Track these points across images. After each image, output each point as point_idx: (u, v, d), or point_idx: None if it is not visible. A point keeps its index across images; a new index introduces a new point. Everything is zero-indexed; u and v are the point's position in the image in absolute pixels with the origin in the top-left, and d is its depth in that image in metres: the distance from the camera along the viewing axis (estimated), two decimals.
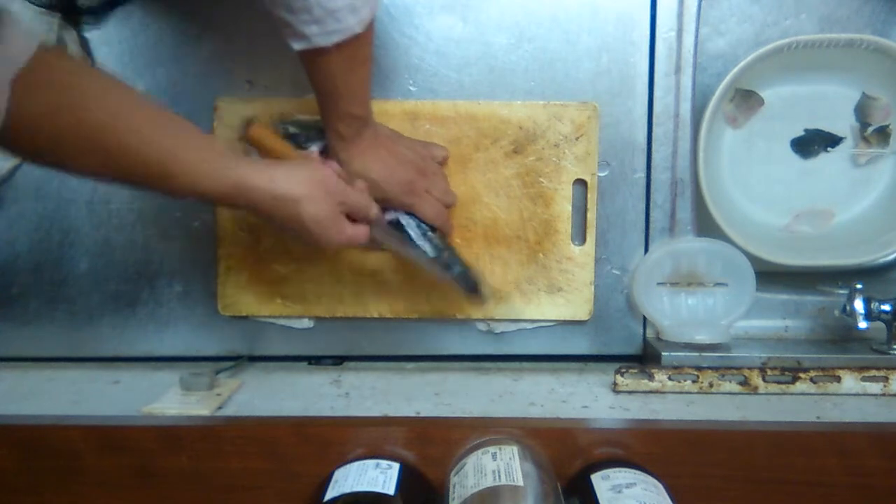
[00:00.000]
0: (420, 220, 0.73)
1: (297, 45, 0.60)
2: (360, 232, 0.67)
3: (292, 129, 0.72)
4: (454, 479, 0.55)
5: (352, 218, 0.66)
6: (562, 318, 0.79)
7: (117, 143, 0.53)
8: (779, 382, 0.71)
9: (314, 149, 0.71)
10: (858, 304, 0.73)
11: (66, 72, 0.53)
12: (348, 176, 0.68)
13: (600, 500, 0.52)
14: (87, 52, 0.77)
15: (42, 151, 0.53)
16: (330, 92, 0.64)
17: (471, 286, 0.74)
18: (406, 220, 0.72)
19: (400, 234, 0.72)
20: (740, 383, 0.72)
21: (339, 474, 0.56)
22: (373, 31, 0.63)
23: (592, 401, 0.70)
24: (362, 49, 0.63)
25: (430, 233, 0.73)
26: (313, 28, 0.58)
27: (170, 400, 0.68)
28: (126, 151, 0.54)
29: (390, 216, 0.72)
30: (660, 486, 0.54)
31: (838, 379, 0.71)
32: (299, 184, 0.61)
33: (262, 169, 0.61)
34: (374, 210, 0.68)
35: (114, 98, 0.55)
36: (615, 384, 0.72)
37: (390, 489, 0.53)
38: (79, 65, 0.52)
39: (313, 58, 0.61)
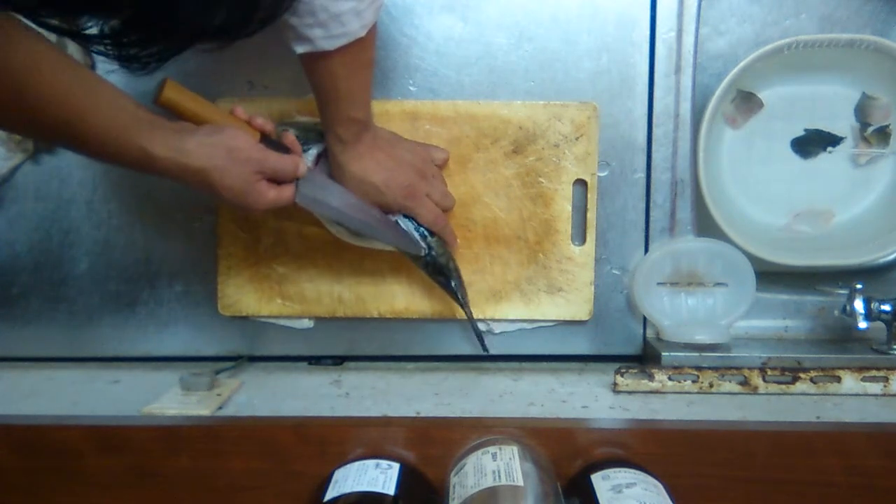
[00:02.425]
0: (418, 224, 0.73)
1: (300, 49, 0.60)
2: (284, 194, 0.65)
3: (292, 132, 0.72)
4: (454, 479, 0.55)
5: (276, 180, 0.65)
6: (562, 318, 0.79)
7: (34, 97, 0.52)
8: (779, 382, 0.71)
9: (313, 151, 0.71)
10: (858, 304, 0.73)
11: None
12: (348, 180, 0.68)
13: (600, 500, 0.52)
14: (88, 51, 0.77)
15: None
16: (331, 95, 0.64)
17: (463, 300, 0.75)
18: (405, 223, 0.73)
19: (346, 197, 0.70)
20: (740, 383, 0.72)
21: (339, 474, 0.56)
22: (375, 34, 0.63)
23: (592, 401, 0.70)
24: (365, 53, 0.63)
25: (428, 237, 0.73)
26: (317, 31, 0.58)
27: (170, 400, 0.68)
28: (41, 107, 0.53)
29: (392, 217, 0.72)
30: (660, 486, 0.54)
31: (838, 379, 0.71)
32: (209, 154, 0.60)
33: (172, 136, 0.59)
34: (301, 168, 0.66)
35: (36, 52, 0.53)
36: (615, 384, 0.72)
37: (390, 489, 0.53)
38: (7, 20, 0.51)
39: (315, 61, 0.61)
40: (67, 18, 0.28)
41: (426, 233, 0.73)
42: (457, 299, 0.75)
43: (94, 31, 0.29)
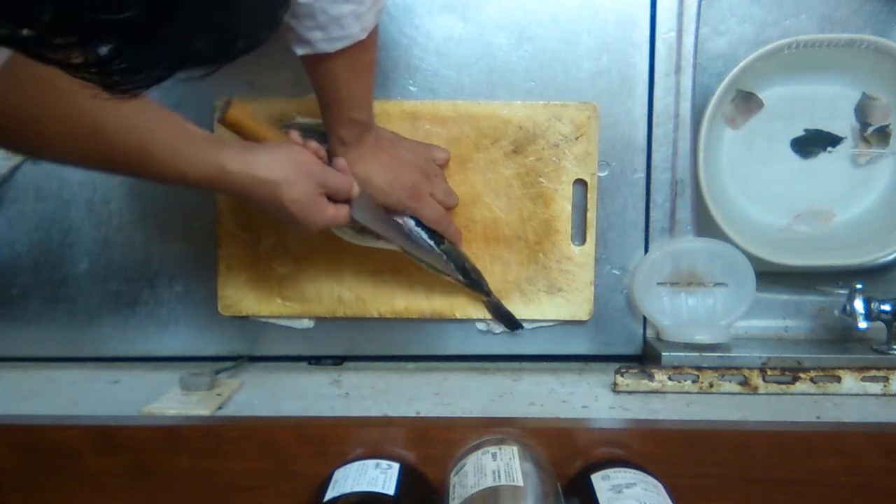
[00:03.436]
0: (424, 224, 0.73)
1: (301, 51, 0.60)
2: (340, 212, 0.67)
3: (293, 133, 0.72)
4: (454, 479, 0.55)
5: (333, 199, 0.66)
6: (562, 318, 0.79)
7: (94, 126, 0.54)
8: (779, 382, 0.71)
9: None
10: (858, 304, 0.73)
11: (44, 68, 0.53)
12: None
13: (600, 500, 0.52)
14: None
15: (24, 142, 0.54)
16: (332, 97, 0.64)
17: (485, 290, 0.76)
18: (409, 224, 0.73)
19: (385, 217, 0.72)
20: (740, 383, 0.72)
21: (339, 474, 0.56)
22: (376, 37, 0.63)
23: (592, 401, 0.70)
24: (365, 55, 0.63)
25: (438, 243, 0.73)
26: (317, 34, 0.58)
27: (170, 400, 0.68)
28: (104, 135, 0.54)
29: (402, 226, 0.73)
30: (660, 486, 0.54)
31: (838, 379, 0.71)
32: (279, 167, 0.62)
33: (242, 153, 0.61)
34: (355, 189, 0.68)
35: None
36: (615, 384, 0.72)
37: (390, 489, 0.53)
38: None
39: (316, 63, 0.61)
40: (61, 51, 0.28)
41: (431, 233, 0.73)
42: (483, 291, 0.77)
43: (78, 60, 0.29)
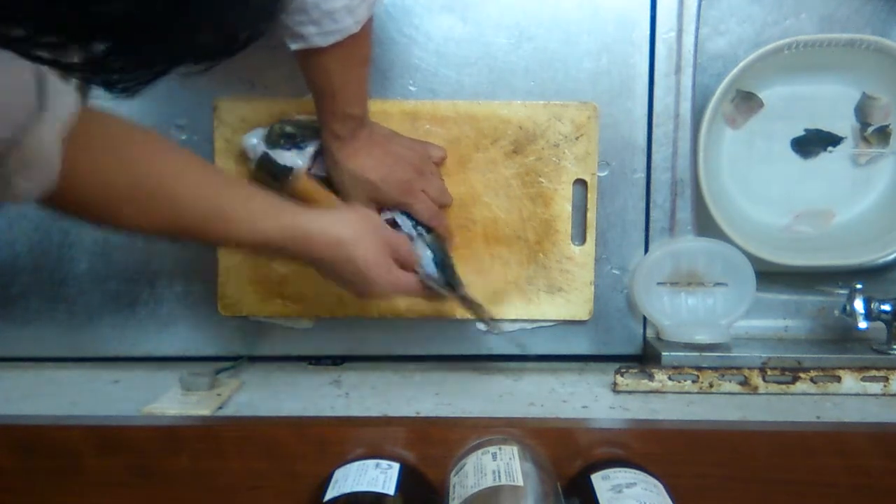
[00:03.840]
0: (416, 221, 0.73)
1: (294, 45, 0.60)
2: (411, 279, 0.67)
3: (289, 129, 0.73)
4: (454, 479, 0.55)
5: (401, 265, 0.66)
6: (562, 318, 0.79)
7: (172, 198, 0.54)
8: (779, 382, 0.71)
9: (310, 149, 0.72)
10: (858, 304, 0.73)
11: (113, 129, 0.54)
12: (344, 176, 0.69)
13: (600, 500, 0.52)
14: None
15: (95, 210, 0.54)
16: (326, 91, 0.65)
17: (473, 306, 0.75)
18: (402, 220, 0.73)
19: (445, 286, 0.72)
20: (740, 383, 0.72)
21: (339, 474, 0.56)
22: (370, 30, 0.63)
23: (592, 401, 0.70)
24: (359, 49, 0.63)
25: (425, 234, 0.73)
26: (310, 28, 0.58)
27: (170, 400, 0.68)
28: (181, 205, 0.55)
29: (386, 216, 0.72)
30: (660, 486, 0.54)
31: (838, 379, 0.71)
32: (350, 226, 0.62)
33: (315, 214, 0.61)
34: (420, 260, 0.69)
35: (162, 153, 0.56)
36: (615, 384, 0.72)
37: (390, 489, 0.53)
38: (124, 122, 0.54)
39: (310, 57, 0.62)
40: (55, 51, 0.28)
41: (423, 230, 0.73)
42: (455, 294, 0.74)
43: (75, 59, 0.29)
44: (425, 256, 0.72)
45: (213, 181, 0.58)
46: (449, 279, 0.74)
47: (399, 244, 0.66)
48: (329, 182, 0.72)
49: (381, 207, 0.71)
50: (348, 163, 0.68)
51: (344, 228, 0.61)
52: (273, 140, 0.72)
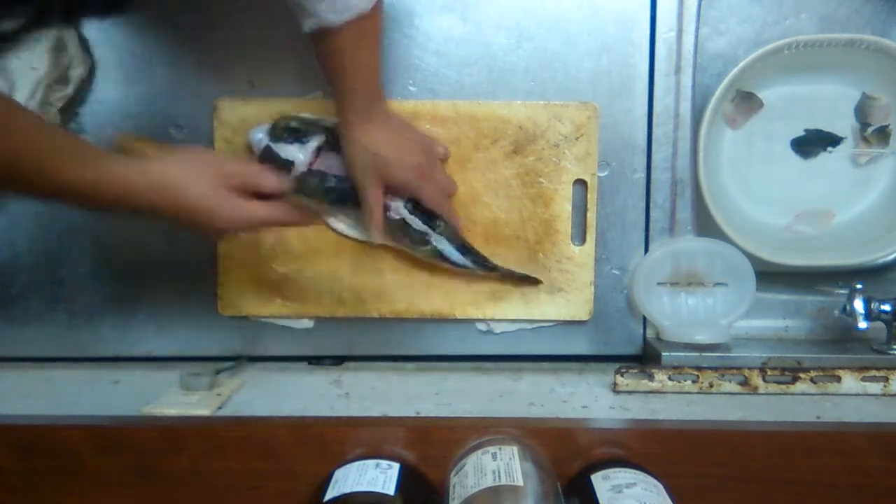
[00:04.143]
0: (426, 216, 0.73)
1: (308, 25, 0.61)
2: (260, 208, 0.63)
3: (293, 124, 0.73)
4: (454, 479, 0.55)
5: (262, 196, 0.64)
6: (562, 318, 0.79)
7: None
8: (779, 382, 0.71)
9: (312, 143, 0.72)
10: (858, 304, 0.73)
11: None
12: (357, 152, 0.69)
13: (600, 500, 0.52)
14: (87, 52, 0.77)
15: None
16: (339, 70, 0.65)
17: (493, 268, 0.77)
18: (412, 220, 0.73)
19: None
20: (740, 383, 0.72)
21: (339, 474, 0.56)
22: (381, 9, 0.64)
23: (592, 401, 0.70)
24: (371, 27, 0.64)
25: (440, 226, 0.74)
26: (322, 6, 0.59)
27: (170, 400, 0.68)
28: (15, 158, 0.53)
29: (394, 215, 0.73)
30: (660, 486, 0.54)
31: (838, 379, 0.71)
32: (173, 168, 0.59)
33: (135, 161, 0.59)
34: (283, 182, 0.66)
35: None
36: (615, 384, 0.72)
37: (390, 489, 0.53)
38: None
39: (323, 38, 0.62)
40: None
41: (435, 224, 0.74)
42: (487, 268, 0.77)
43: None
44: (447, 249, 0.74)
45: (34, 127, 0.55)
46: (478, 260, 0.76)
47: (240, 173, 0.63)
48: (328, 180, 0.73)
49: (387, 202, 0.71)
50: (363, 138, 0.68)
51: (166, 171, 0.59)
52: (277, 134, 0.73)
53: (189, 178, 0.59)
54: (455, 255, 0.75)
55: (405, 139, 0.71)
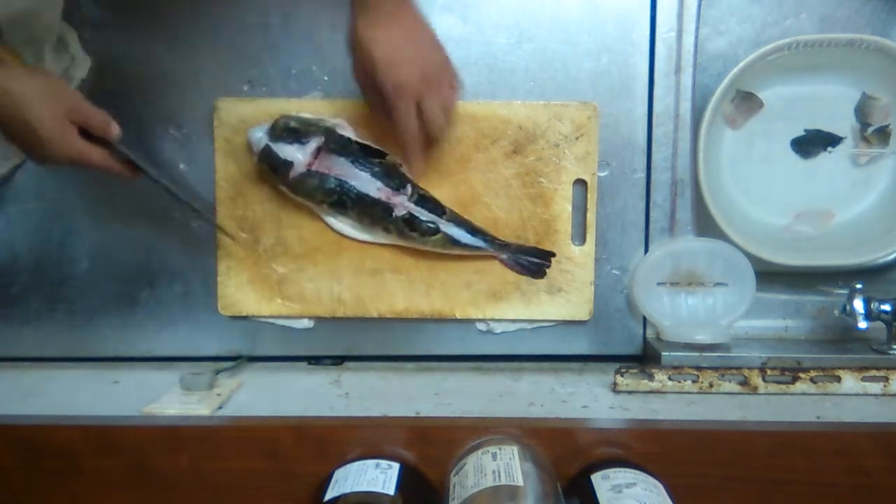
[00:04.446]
0: (429, 203, 0.74)
1: None
2: (94, 151, 0.64)
3: (293, 124, 0.73)
4: (454, 479, 0.55)
5: (90, 136, 0.64)
6: (562, 318, 0.79)
7: None
8: (779, 382, 0.71)
9: (312, 145, 0.72)
10: (858, 304, 0.73)
11: None
12: (355, 49, 0.65)
13: (600, 500, 0.52)
14: (87, 52, 0.77)
15: None
16: None
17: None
18: (418, 210, 0.73)
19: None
20: (740, 383, 0.72)
21: (339, 474, 0.56)
22: None
23: (592, 401, 0.70)
24: None
25: (445, 212, 0.74)
26: None
27: (170, 400, 0.68)
28: None
29: (399, 211, 0.73)
30: (660, 486, 0.54)
31: (838, 379, 0.71)
32: (29, 82, 0.60)
33: None
34: (114, 129, 0.66)
35: None
36: (615, 384, 0.72)
37: (390, 489, 0.53)
38: None
39: None
40: None
41: (440, 215, 0.74)
42: (497, 246, 0.76)
43: None
44: (458, 233, 0.75)
45: None
46: (487, 238, 0.76)
47: (81, 106, 0.63)
48: (327, 181, 0.73)
49: (392, 200, 0.71)
50: (365, 32, 0.64)
51: (20, 83, 0.59)
52: (276, 134, 0.73)
53: (38, 98, 0.60)
54: (467, 238, 0.75)
55: (411, 43, 0.65)
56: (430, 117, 0.68)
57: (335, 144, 0.73)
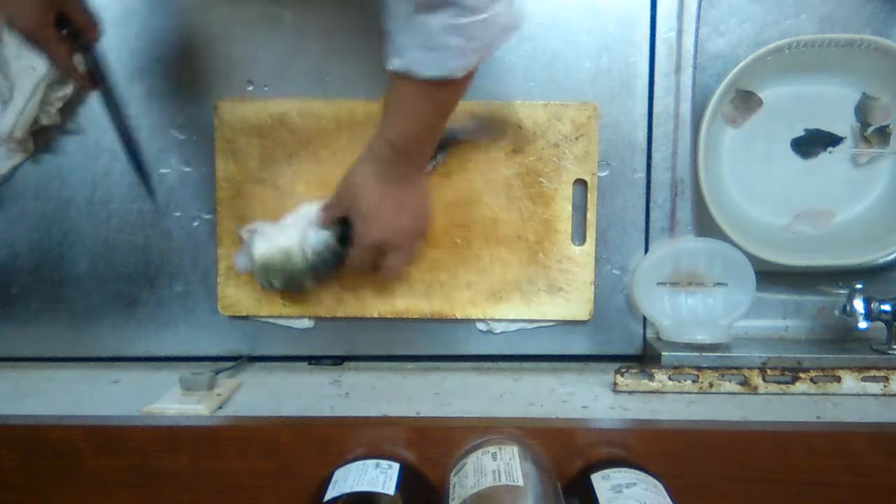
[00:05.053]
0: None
1: (392, 65, 0.58)
2: (59, 46, 0.65)
3: (276, 284, 0.74)
4: (454, 479, 0.55)
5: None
6: (562, 318, 0.79)
7: None
8: (779, 382, 0.71)
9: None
10: (858, 304, 0.73)
11: None
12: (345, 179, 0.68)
13: (600, 500, 0.52)
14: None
15: None
16: (392, 111, 0.63)
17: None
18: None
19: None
20: (740, 383, 0.72)
21: (339, 474, 0.56)
22: (468, 82, 0.61)
23: (592, 401, 0.70)
24: (451, 95, 0.61)
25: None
26: (415, 54, 0.56)
27: (170, 400, 0.68)
28: None
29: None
30: (660, 486, 0.54)
31: (838, 379, 0.71)
32: None
33: None
34: (96, 31, 0.67)
35: None
36: (615, 384, 0.72)
37: (390, 489, 0.53)
38: None
39: (401, 80, 0.59)
40: None
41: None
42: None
43: None
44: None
45: None
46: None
47: (75, 6, 0.64)
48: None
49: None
50: (365, 179, 0.66)
51: None
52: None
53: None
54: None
55: (399, 209, 0.68)
56: (385, 269, 0.72)
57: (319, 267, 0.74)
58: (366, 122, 0.76)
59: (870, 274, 0.84)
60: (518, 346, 0.80)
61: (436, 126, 0.65)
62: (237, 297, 0.79)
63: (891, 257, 0.84)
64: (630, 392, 0.72)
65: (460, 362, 0.81)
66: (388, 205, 0.68)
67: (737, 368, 0.72)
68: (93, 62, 0.68)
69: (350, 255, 0.71)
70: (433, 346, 0.81)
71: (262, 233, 0.73)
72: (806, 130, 0.86)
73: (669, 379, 0.72)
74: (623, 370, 0.72)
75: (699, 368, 0.72)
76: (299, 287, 0.75)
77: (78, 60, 0.69)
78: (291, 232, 0.72)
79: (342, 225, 0.72)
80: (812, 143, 0.86)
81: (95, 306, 0.80)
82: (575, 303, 0.79)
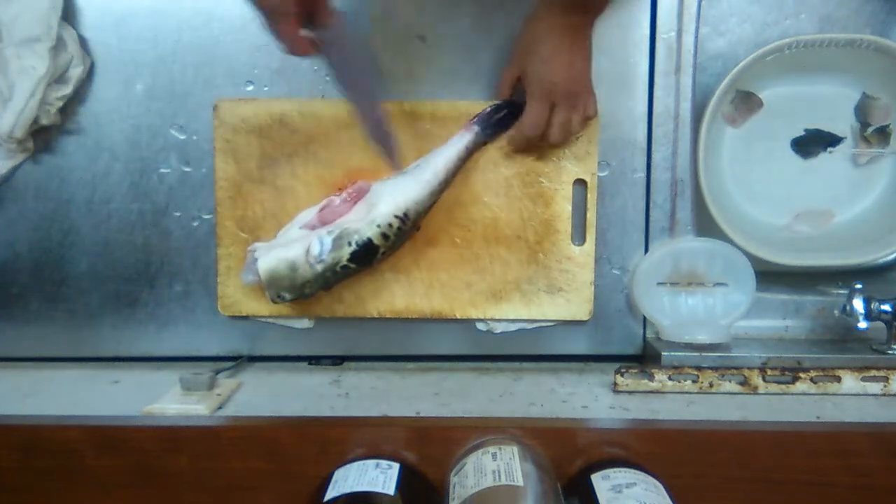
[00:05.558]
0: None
1: None
2: (307, 42, 0.61)
3: (288, 297, 0.73)
4: (454, 479, 0.55)
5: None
6: (562, 318, 0.79)
7: None
8: (779, 382, 0.71)
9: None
10: (858, 304, 0.73)
11: None
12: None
13: (600, 500, 0.52)
14: (87, 51, 0.77)
15: None
16: None
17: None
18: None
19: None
20: (740, 383, 0.72)
21: (339, 474, 0.56)
22: None
23: (592, 401, 0.70)
24: None
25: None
26: None
27: (170, 400, 0.68)
28: None
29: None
30: (660, 486, 0.54)
31: (838, 379, 0.71)
32: None
33: None
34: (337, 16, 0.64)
35: None
36: (615, 384, 0.72)
37: (390, 489, 0.53)
38: None
39: None
40: None
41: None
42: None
43: None
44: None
45: None
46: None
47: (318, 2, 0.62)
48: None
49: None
50: (537, 26, 0.67)
51: None
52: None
53: None
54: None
55: (574, 56, 0.68)
56: (555, 126, 0.71)
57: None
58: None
59: (870, 274, 0.84)
60: (518, 346, 0.80)
61: None
62: (237, 297, 0.79)
63: (891, 257, 0.84)
64: (630, 392, 0.72)
65: (460, 362, 0.81)
66: (566, 50, 0.68)
67: (737, 368, 0.72)
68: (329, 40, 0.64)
69: (525, 112, 0.71)
70: (433, 346, 0.81)
71: (264, 249, 0.73)
72: (806, 130, 0.86)
73: (669, 379, 0.72)
74: (623, 370, 0.72)
75: (699, 368, 0.72)
76: (309, 297, 0.74)
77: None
78: (295, 244, 0.72)
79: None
80: (812, 143, 0.86)
81: (95, 306, 0.80)
82: (575, 303, 0.79)
